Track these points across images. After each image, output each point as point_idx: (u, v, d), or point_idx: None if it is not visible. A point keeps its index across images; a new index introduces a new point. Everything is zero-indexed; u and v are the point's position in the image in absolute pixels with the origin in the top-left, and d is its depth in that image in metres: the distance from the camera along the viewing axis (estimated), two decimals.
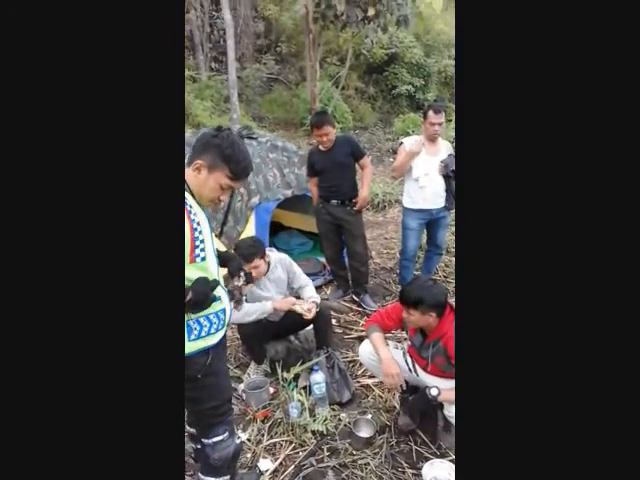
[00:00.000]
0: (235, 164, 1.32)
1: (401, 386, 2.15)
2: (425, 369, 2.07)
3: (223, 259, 1.57)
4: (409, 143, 2.97)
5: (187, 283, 1.28)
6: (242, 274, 1.60)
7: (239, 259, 1.75)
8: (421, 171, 2.97)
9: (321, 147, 3.06)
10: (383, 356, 2.02)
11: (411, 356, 2.14)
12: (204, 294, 1.31)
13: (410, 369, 2.13)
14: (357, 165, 3.14)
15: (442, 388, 1.92)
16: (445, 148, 3.06)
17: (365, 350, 2.21)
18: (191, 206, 1.29)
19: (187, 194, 1.31)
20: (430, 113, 2.92)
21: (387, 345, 2.11)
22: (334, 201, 3.11)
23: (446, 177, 2.98)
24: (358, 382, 2.52)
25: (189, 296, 1.27)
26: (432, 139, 2.98)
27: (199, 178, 1.32)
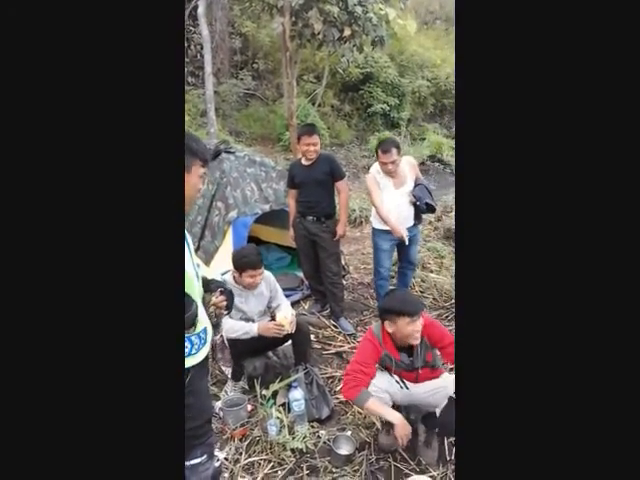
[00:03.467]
0: (202, 153, 1.39)
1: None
2: (415, 380, 2.08)
3: (204, 283, 1.55)
4: (374, 171, 3.00)
5: None
6: (221, 290, 1.58)
7: (218, 281, 1.71)
8: (391, 205, 2.96)
9: (303, 161, 3.09)
10: (395, 420, 1.95)
11: (398, 375, 2.11)
12: (191, 317, 1.30)
13: (401, 386, 2.10)
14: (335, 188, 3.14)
15: (436, 387, 2.02)
16: (407, 166, 3.02)
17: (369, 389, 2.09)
18: None
19: None
20: (379, 153, 2.89)
21: (387, 405, 2.04)
22: (310, 217, 3.12)
23: (415, 205, 2.98)
24: (337, 398, 2.50)
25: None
26: (391, 175, 2.96)
27: None
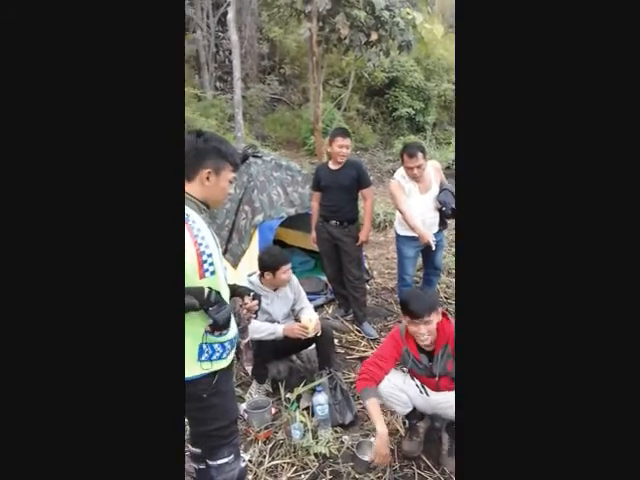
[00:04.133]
0: (232, 157, 1.39)
1: (410, 413, 2.12)
2: (435, 388, 2.05)
3: (231, 289, 1.58)
4: (399, 176, 2.97)
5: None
6: (251, 294, 1.60)
7: (243, 286, 1.75)
8: (417, 211, 2.91)
9: (331, 164, 3.11)
10: (380, 432, 1.92)
11: (419, 379, 2.09)
12: (225, 318, 1.32)
13: (421, 391, 2.08)
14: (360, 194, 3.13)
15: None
16: (433, 171, 2.97)
17: (385, 385, 2.08)
18: (194, 221, 1.29)
19: (189, 209, 1.30)
20: (405, 157, 2.83)
21: (383, 418, 2.02)
22: (333, 221, 3.13)
23: (440, 210, 2.94)
24: (360, 404, 2.49)
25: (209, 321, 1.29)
26: (417, 180, 2.91)
27: (209, 186, 1.35)
